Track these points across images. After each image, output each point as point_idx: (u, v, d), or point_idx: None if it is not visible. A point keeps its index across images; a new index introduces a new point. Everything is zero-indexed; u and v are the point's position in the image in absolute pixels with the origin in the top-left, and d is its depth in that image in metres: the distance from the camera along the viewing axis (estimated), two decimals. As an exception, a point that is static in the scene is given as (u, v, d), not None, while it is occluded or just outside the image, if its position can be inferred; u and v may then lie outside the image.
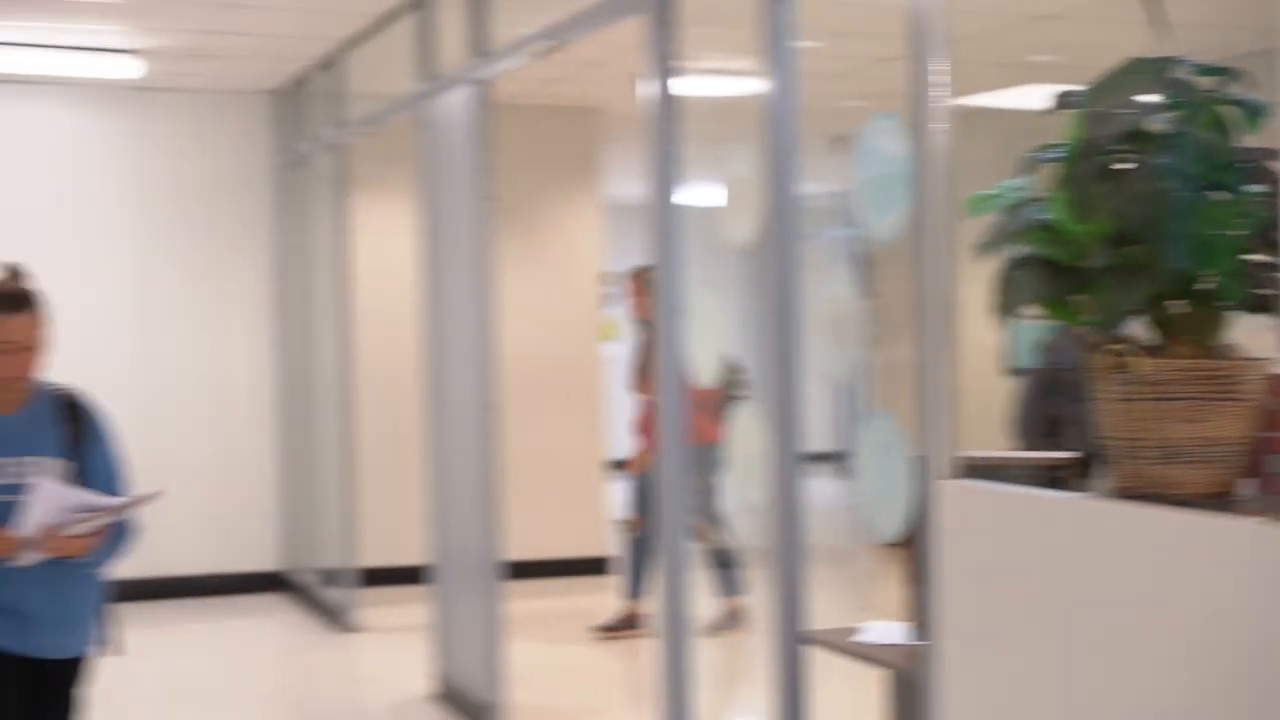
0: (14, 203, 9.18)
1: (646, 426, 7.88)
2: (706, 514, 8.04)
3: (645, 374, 7.89)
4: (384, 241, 9.22)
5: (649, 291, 8.00)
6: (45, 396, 4.06)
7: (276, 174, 9.81)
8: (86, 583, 4.14)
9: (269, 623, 8.97)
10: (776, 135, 4.28)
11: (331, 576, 8.88)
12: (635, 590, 8.15)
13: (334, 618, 8.72)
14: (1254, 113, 2.82)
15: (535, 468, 9.47)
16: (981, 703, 3.21)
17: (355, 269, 8.68)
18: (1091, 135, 2.98)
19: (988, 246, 3.18)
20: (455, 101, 6.66)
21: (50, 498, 3.92)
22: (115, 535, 4.08)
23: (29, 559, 3.95)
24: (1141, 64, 2.88)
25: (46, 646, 4.05)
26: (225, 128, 9.75)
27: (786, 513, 4.27)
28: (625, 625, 8.14)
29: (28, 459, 3.97)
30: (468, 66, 6.50)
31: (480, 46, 6.44)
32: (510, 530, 6.98)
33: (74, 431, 4.06)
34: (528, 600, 8.65)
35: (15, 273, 3.97)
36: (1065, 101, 3.12)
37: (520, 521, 9.01)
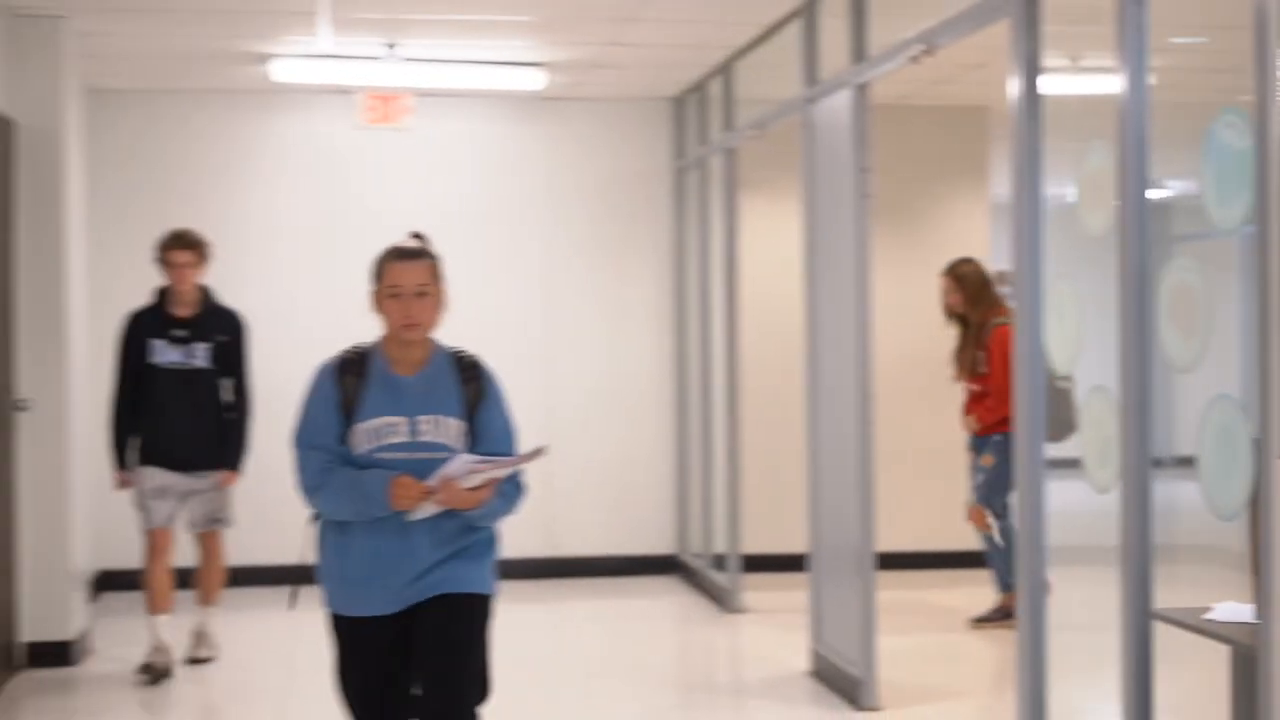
0: (434, 204, 9.95)
1: (970, 412, 8.33)
2: (992, 504, 8.21)
3: (962, 365, 8.34)
4: (770, 239, 9.60)
5: (963, 287, 8.15)
6: (443, 358, 4.30)
7: (674, 176, 10.31)
8: (476, 536, 4.28)
9: (660, 602, 9.45)
10: (1131, 130, 4.42)
11: (719, 561, 9.30)
12: (1006, 581, 8.27)
13: (721, 599, 9.13)
14: None
15: (912, 462, 9.68)
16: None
17: (743, 266, 9.07)
18: None
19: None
20: (836, 105, 6.96)
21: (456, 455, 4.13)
22: (507, 492, 4.25)
23: (425, 512, 4.14)
24: None
25: (435, 586, 4.19)
26: (626, 133, 10.32)
27: (1137, 491, 4.41)
28: (1000, 616, 8.28)
29: (427, 418, 4.19)
30: (848, 72, 6.80)
31: (859, 52, 6.72)
32: (885, 521, 7.26)
33: (471, 392, 4.26)
34: (902, 590, 8.87)
35: (417, 235, 4.33)
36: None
37: (895, 513, 9.26)
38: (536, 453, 4.17)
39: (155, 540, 7.40)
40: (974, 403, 8.28)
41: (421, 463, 4.16)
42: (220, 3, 7.55)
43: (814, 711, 6.73)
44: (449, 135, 10.13)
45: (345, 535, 4.23)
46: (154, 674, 7.26)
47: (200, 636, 7.75)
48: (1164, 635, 4.38)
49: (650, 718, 6.74)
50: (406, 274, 4.19)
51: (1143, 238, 4.42)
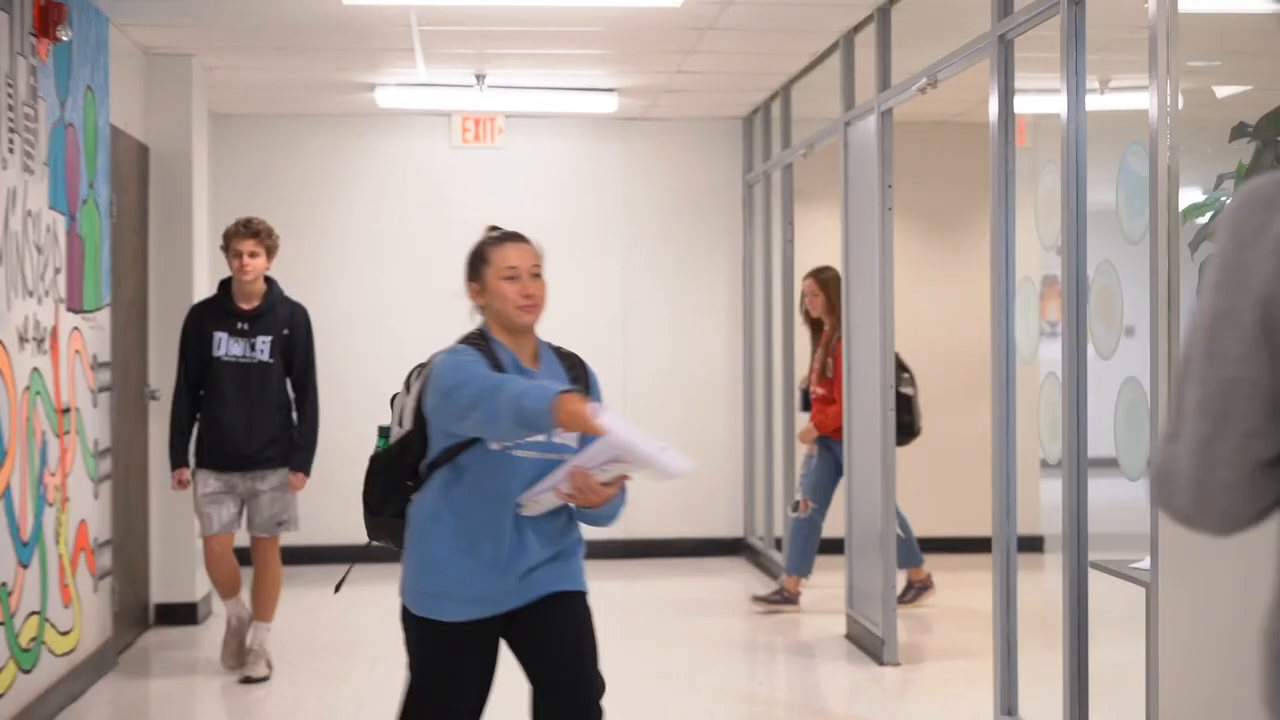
0: (522, 216, 10.75)
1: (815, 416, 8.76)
2: (815, 498, 8.75)
3: (813, 370, 8.78)
4: (823, 247, 10.45)
5: (825, 292, 8.54)
6: (550, 354, 4.15)
7: (743, 190, 11.20)
8: (572, 536, 4.10)
9: (725, 579, 10.33)
10: (1072, 149, 5.26)
11: (778, 543, 10.16)
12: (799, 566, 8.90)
13: (778, 576, 9.99)
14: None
15: (942, 454, 10.34)
16: (1190, 613, 4.18)
17: (798, 271, 9.94)
18: (1258, 161, 3.95)
19: (1193, 244, 4.16)
20: (866, 127, 7.82)
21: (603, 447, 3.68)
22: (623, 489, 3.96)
23: (544, 506, 3.92)
24: None
25: (544, 585, 4.00)
26: (699, 150, 11.23)
27: (1074, 455, 5.24)
28: (781, 599, 8.96)
29: None
30: (875, 99, 7.65)
31: (884, 81, 7.57)
32: (918, 507, 8.09)
33: (580, 388, 4.00)
34: (931, 570, 9.66)
35: (494, 228, 4.22)
36: (1237, 132, 4.08)
37: (927, 500, 10.04)
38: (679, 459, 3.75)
39: (213, 547, 7.21)
40: (819, 405, 8.66)
41: (552, 464, 3.89)
42: (330, 40, 8.54)
43: (845, 665, 7.66)
44: (536, 153, 11.11)
45: (450, 530, 3.96)
46: (250, 670, 7.26)
47: (254, 654, 7.30)
48: (1105, 586, 5.20)
49: (708, 665, 7.68)
50: (523, 255, 4.03)
51: (1079, 247, 5.25)
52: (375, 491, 4.11)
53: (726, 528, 11.24)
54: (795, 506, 8.85)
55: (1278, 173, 1.81)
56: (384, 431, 4.15)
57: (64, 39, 6.71)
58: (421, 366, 4.12)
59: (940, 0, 7.42)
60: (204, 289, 9.23)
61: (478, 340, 4.03)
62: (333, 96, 10.27)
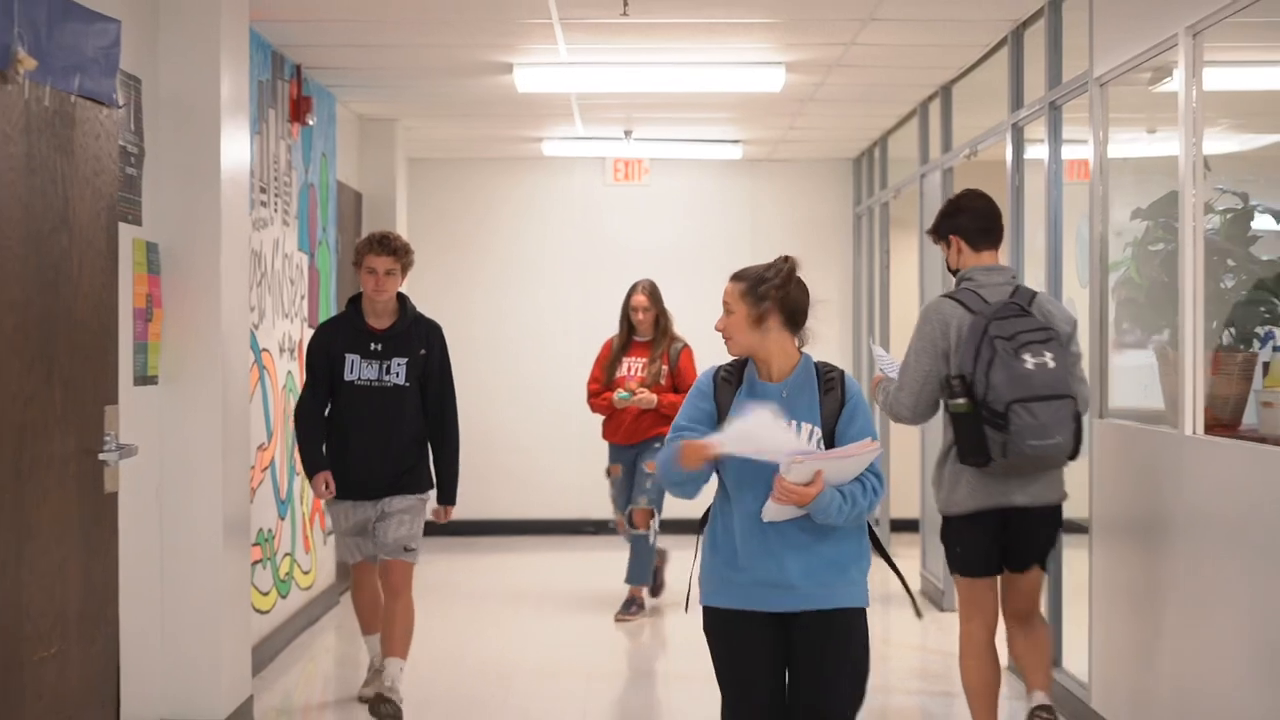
0: (665, 244, 12.97)
1: (624, 421, 9.21)
2: (659, 505, 9.13)
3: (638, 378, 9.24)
4: (910, 269, 12.36)
5: (656, 304, 9.32)
6: (808, 369, 4.49)
7: (854, 221, 13.12)
8: (843, 546, 4.37)
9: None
10: (1051, 212, 7.14)
11: (893, 524, 12.04)
12: (642, 577, 9.31)
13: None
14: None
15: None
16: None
17: (893, 289, 11.83)
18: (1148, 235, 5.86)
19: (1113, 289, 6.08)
20: (934, 180, 9.73)
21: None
22: (853, 491, 4.27)
23: (777, 514, 4.27)
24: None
25: (806, 600, 4.34)
26: (816, 187, 13.17)
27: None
28: (638, 608, 9.36)
29: (792, 423, 4.34)
30: (939, 159, 9.55)
31: (946, 145, 9.47)
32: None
33: (831, 402, 4.41)
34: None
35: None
36: (1135, 213, 5.97)
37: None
38: (864, 446, 4.26)
39: (360, 575, 6.97)
40: (640, 412, 9.14)
41: (775, 467, 4.25)
42: (506, 110, 10.63)
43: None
44: (676, 190, 13.14)
45: (720, 529, 4.46)
46: (382, 711, 6.49)
47: (384, 692, 6.52)
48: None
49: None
50: (725, 292, 4.53)
51: (1055, 288, 7.12)
52: None
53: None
54: (630, 520, 9.20)
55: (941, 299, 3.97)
56: None
57: (310, 123, 8.89)
58: None
59: (986, 80, 9.26)
60: (404, 306, 11.37)
61: (733, 365, 4.58)
62: (508, 146, 12.39)
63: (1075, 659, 6.87)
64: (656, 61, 8.84)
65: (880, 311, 11.99)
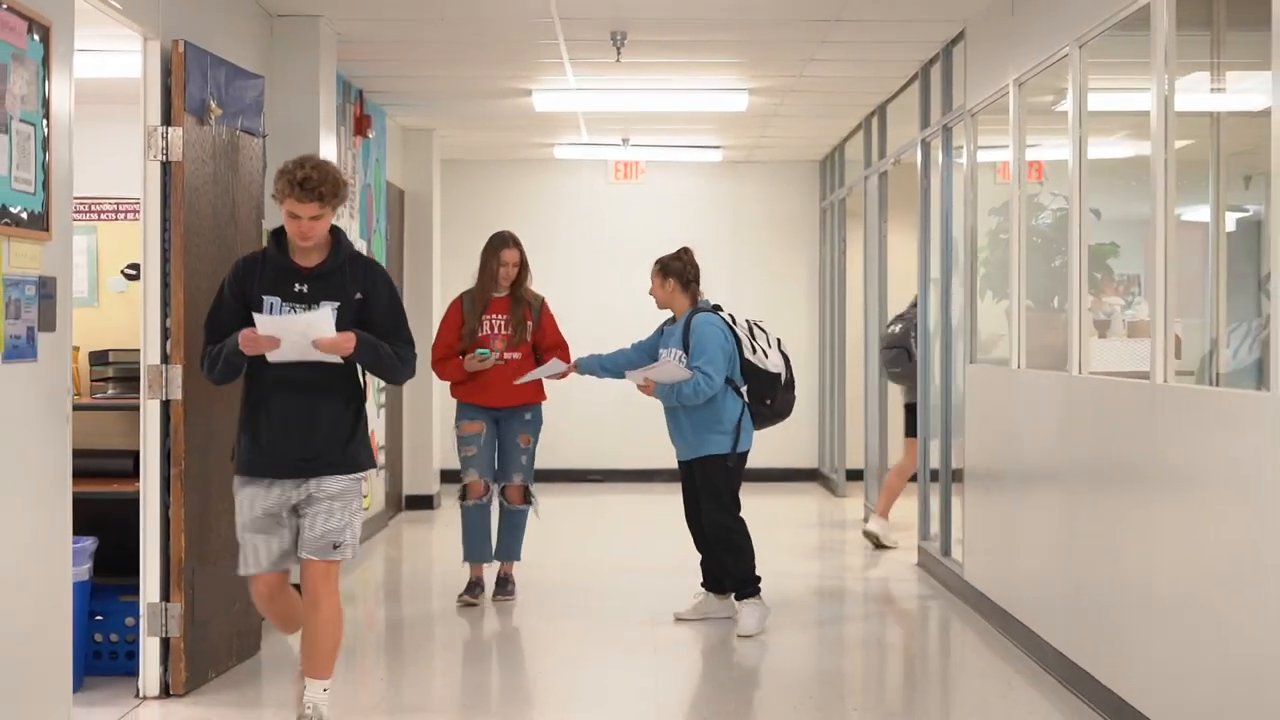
0: (658, 235, 15.13)
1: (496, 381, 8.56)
2: (504, 473, 8.65)
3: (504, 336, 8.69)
4: (859, 254, 14.60)
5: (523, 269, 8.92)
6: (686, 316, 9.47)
7: (819, 215, 15.35)
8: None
9: (804, 500, 14.43)
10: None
11: (849, 473, 14.26)
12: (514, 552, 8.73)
13: (839, 495, 14.15)
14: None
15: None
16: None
17: (850, 272, 14.04)
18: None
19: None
20: (874, 182, 11.94)
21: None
22: (683, 386, 7.74)
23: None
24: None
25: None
26: (786, 186, 15.40)
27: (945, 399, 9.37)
28: (510, 590, 8.79)
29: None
30: (877, 165, 11.78)
31: (882, 152, 11.69)
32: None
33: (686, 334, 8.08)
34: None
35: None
36: (991, 210, 8.19)
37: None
38: (554, 366, 8.25)
39: (261, 588, 5.74)
40: (512, 372, 8.45)
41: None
42: (525, 124, 12.84)
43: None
44: (668, 188, 15.40)
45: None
46: None
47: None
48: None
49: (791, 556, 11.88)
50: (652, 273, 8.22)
51: (947, 266, 9.35)
52: None
53: (804, 459, 15.39)
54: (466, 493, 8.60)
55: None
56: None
57: (370, 136, 11.14)
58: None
59: (911, 103, 11.47)
60: (439, 282, 13.57)
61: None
62: (524, 150, 14.64)
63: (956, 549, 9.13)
64: (646, 88, 11.09)
65: (838, 290, 14.24)
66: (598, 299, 14.96)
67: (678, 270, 8.05)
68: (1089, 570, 6.40)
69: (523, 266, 8.87)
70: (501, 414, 8.63)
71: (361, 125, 10.96)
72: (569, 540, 11.60)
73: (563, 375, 8.28)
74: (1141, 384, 5.76)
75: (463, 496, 8.61)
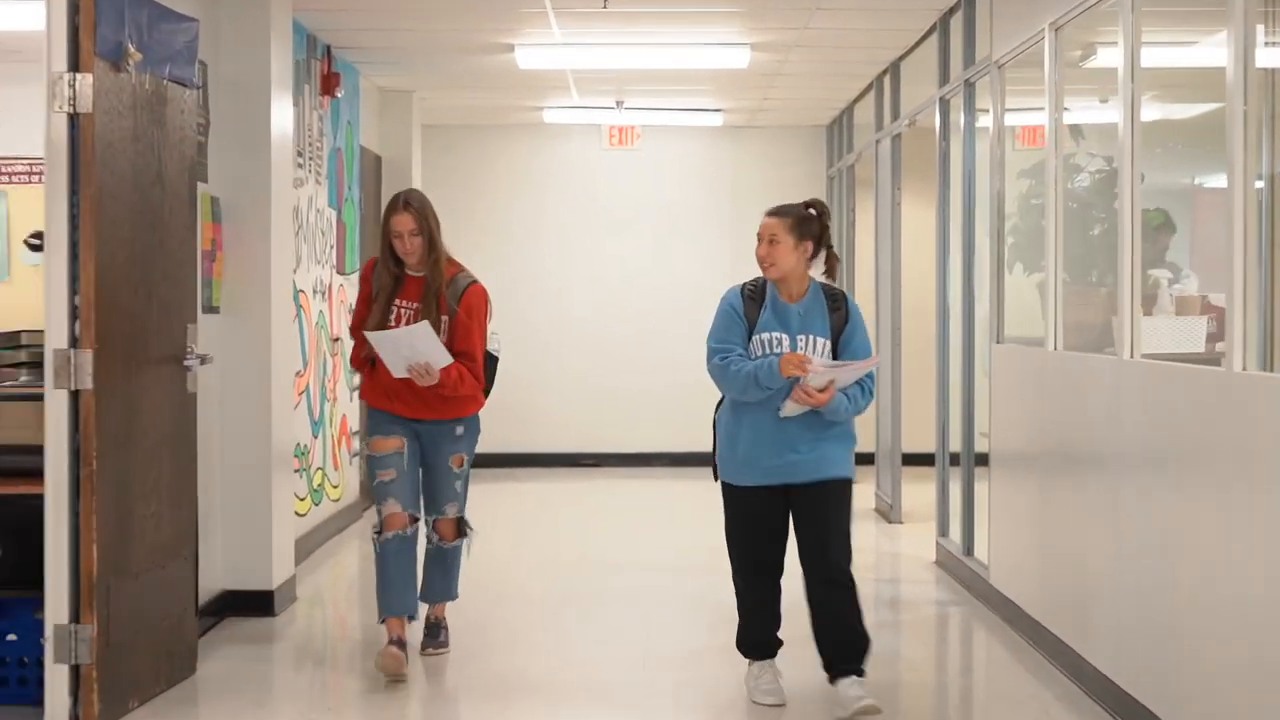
0: (655, 202, 14.34)
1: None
2: (434, 504, 6.74)
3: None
4: (871, 222, 13.72)
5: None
6: (817, 291, 5.76)
7: (826, 181, 14.46)
8: (837, 428, 5.65)
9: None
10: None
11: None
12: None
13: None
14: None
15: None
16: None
17: (860, 240, 13.14)
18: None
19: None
20: (886, 145, 11.05)
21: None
22: (853, 395, 5.59)
23: (790, 410, 5.52)
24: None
25: (808, 471, 5.61)
26: (792, 151, 14.49)
27: (940, 385, 8.50)
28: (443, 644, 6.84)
29: (803, 335, 5.63)
30: (890, 127, 10.89)
31: (895, 111, 10.80)
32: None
33: (838, 319, 5.70)
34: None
35: (810, 203, 5.87)
36: (1020, 173, 7.29)
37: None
38: (870, 361, 5.63)
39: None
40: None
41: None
42: (509, 83, 11.95)
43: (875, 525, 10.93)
44: (665, 154, 14.49)
45: (736, 423, 5.71)
46: None
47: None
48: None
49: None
50: (764, 226, 5.75)
51: (969, 234, 8.46)
52: None
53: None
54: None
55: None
56: None
57: (338, 96, 10.24)
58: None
59: (927, 58, 10.58)
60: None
61: (754, 284, 5.84)
62: (510, 114, 13.73)
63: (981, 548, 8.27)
64: (638, 42, 10.17)
65: (846, 262, 13.34)
66: (592, 272, 14.07)
67: (816, 232, 5.78)
68: (1142, 578, 5.52)
69: (427, 237, 6.57)
70: (425, 428, 6.61)
71: (329, 84, 10.07)
72: (551, 538, 10.74)
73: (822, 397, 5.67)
74: (1216, 372, 4.87)
75: (378, 531, 6.54)
